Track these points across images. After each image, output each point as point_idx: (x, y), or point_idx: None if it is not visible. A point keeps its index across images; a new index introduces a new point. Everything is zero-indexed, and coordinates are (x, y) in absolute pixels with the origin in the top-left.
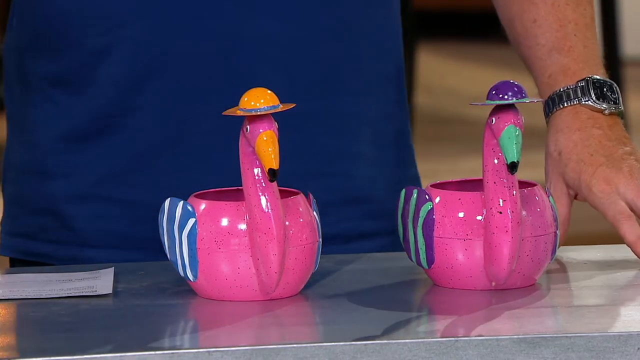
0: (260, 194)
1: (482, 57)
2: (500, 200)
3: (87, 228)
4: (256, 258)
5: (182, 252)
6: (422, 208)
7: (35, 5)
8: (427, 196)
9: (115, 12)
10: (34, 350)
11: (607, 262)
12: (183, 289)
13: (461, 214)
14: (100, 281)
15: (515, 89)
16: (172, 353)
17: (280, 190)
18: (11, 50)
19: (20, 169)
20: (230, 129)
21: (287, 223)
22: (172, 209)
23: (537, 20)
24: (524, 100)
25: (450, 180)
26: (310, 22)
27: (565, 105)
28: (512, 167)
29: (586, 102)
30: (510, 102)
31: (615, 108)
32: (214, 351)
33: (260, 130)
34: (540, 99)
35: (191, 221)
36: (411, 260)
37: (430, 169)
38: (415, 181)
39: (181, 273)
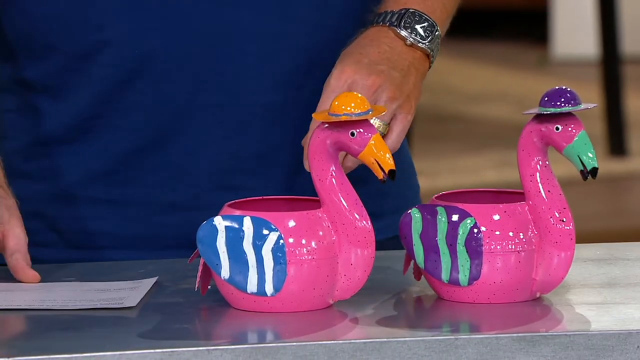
0: (344, 200)
1: (482, 55)
2: (561, 209)
3: (74, 229)
4: (349, 263)
5: (261, 268)
6: (461, 224)
7: (10, 12)
8: (462, 212)
9: (93, 16)
10: (34, 350)
11: (606, 260)
12: (182, 287)
13: (512, 226)
14: (134, 292)
15: (569, 95)
16: (172, 351)
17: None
18: None
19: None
20: (218, 125)
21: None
22: (235, 225)
23: None
24: (579, 107)
25: (443, 193)
26: (289, 14)
27: (375, 24)
28: (594, 172)
29: (392, 26)
30: (569, 109)
31: (417, 41)
32: (213, 349)
33: (370, 135)
34: (596, 104)
35: (274, 235)
36: (438, 280)
37: (429, 166)
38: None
39: (251, 290)
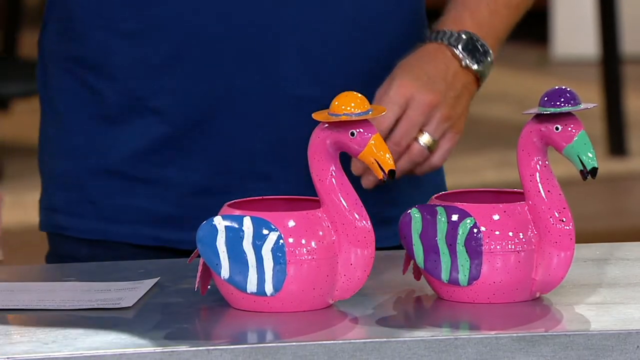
0: (344, 200)
1: None
2: (561, 209)
3: (108, 202)
4: (349, 263)
5: (260, 268)
6: (460, 224)
7: None
8: (462, 212)
9: None
10: (34, 350)
11: (606, 261)
12: (182, 287)
13: (511, 226)
14: (133, 292)
15: (568, 95)
16: (172, 351)
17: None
18: (46, 37)
19: (53, 149)
20: (253, 112)
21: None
22: (235, 225)
23: None
24: (579, 107)
25: (443, 193)
26: (331, 11)
27: (433, 40)
28: (594, 172)
29: (450, 46)
30: (569, 109)
31: (472, 63)
32: (213, 349)
33: (370, 135)
34: (596, 104)
35: (274, 235)
36: (438, 279)
37: None
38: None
39: (250, 290)
